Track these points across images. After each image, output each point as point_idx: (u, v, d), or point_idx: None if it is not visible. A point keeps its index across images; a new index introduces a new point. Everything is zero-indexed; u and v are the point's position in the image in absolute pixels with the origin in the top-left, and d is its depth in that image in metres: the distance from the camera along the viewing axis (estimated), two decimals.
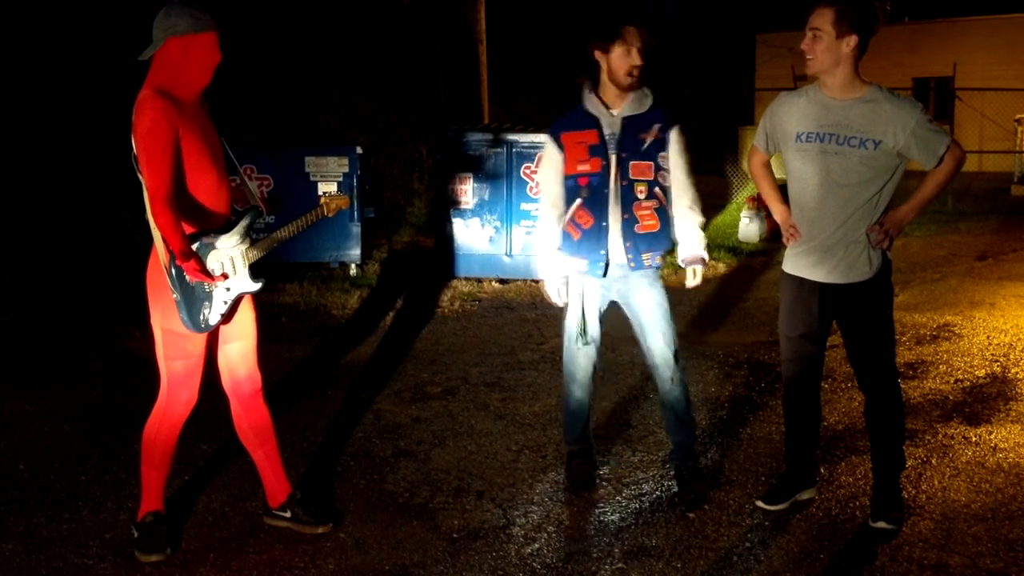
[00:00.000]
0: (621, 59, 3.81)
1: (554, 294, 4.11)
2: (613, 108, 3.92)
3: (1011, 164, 18.54)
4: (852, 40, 3.43)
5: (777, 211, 3.77)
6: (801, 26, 3.51)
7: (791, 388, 3.87)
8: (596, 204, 3.92)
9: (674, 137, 3.96)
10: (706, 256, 4.08)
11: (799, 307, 3.72)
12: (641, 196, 3.91)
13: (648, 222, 3.94)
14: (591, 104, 3.93)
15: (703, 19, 27.99)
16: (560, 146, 3.97)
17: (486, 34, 11.73)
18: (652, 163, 3.91)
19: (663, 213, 3.96)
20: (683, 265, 4.09)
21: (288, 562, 3.52)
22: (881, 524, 3.68)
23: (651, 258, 3.97)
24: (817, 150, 3.54)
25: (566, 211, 4.00)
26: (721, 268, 9.68)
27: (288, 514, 3.76)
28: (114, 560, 3.54)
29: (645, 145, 3.90)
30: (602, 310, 4.14)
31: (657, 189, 3.94)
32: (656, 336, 4.02)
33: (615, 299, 4.10)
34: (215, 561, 3.54)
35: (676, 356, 4.06)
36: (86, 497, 4.06)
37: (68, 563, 3.52)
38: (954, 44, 21.89)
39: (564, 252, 4.03)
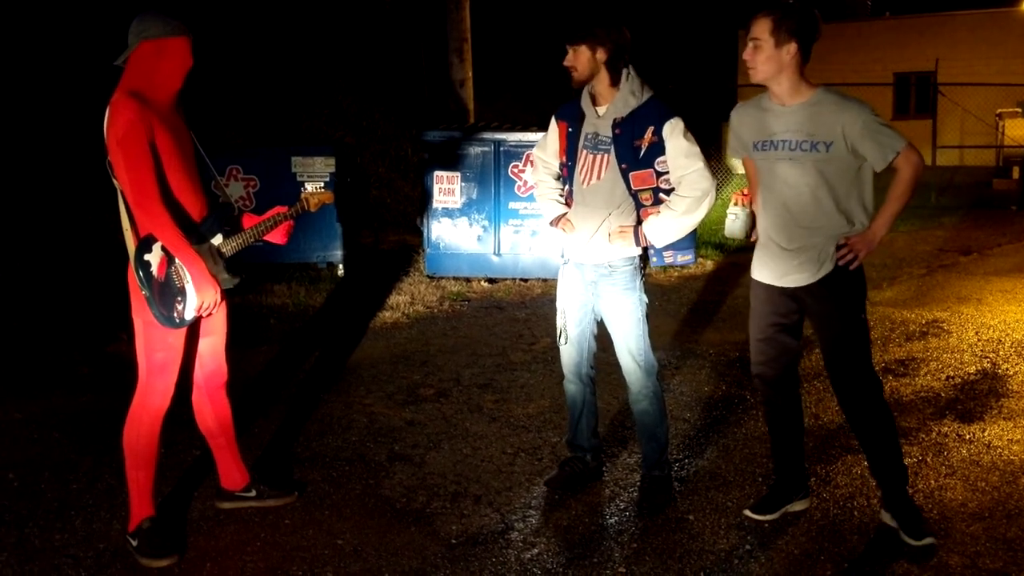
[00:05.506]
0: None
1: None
2: (599, 106, 3.86)
3: (992, 158, 18.71)
4: (792, 48, 3.42)
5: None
6: None
7: (767, 393, 3.83)
8: (570, 195, 3.99)
9: (667, 134, 3.71)
10: (642, 239, 3.79)
11: (767, 310, 3.70)
12: (647, 203, 3.81)
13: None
14: (583, 98, 3.89)
15: (685, 15, 28.00)
16: (557, 128, 3.99)
17: (471, 32, 11.70)
18: (651, 170, 3.77)
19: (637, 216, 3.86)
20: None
21: (286, 570, 3.48)
22: (928, 540, 3.56)
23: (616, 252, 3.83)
24: (772, 158, 3.55)
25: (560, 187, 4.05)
26: (708, 265, 9.70)
27: (253, 493, 3.95)
28: (110, 571, 3.49)
29: (642, 152, 3.76)
30: (590, 309, 4.02)
31: (662, 195, 3.79)
32: (621, 349, 3.95)
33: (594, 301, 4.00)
34: (212, 570, 3.50)
35: (647, 369, 3.92)
36: (78, 506, 4.01)
37: (62, 575, 3.46)
38: (936, 39, 22.03)
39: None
